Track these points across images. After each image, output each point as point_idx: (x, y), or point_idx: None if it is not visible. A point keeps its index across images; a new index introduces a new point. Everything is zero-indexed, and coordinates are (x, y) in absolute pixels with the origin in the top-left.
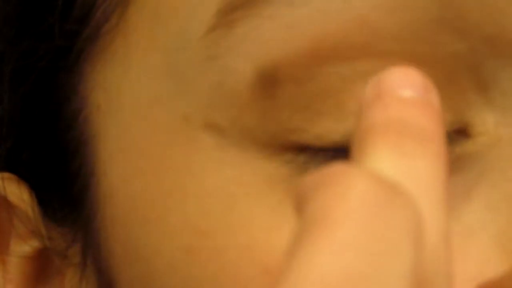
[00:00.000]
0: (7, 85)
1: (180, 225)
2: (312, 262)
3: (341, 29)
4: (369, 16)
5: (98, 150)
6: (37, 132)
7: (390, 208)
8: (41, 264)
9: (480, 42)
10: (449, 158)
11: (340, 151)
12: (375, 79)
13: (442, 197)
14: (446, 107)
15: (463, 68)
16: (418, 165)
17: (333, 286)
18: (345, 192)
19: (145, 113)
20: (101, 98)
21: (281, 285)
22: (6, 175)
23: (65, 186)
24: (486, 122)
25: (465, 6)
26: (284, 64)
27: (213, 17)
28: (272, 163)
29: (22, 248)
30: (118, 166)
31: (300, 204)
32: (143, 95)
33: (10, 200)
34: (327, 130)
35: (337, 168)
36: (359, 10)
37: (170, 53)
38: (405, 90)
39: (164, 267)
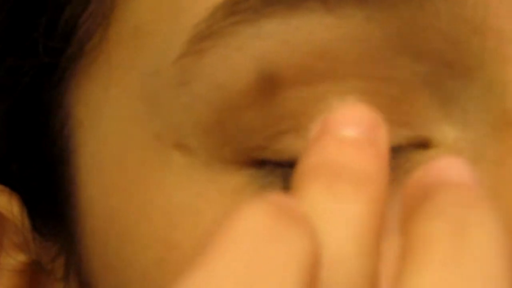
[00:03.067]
0: None
1: (150, 238)
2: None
3: (305, 59)
4: (332, 46)
5: (79, 164)
6: (24, 145)
7: (277, 241)
8: (32, 278)
9: (440, 66)
10: (406, 168)
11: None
12: (322, 117)
13: (366, 242)
14: (402, 123)
15: (422, 86)
16: (345, 209)
17: None
18: (236, 221)
19: (121, 131)
20: (83, 113)
21: None
22: None
23: (50, 199)
24: (446, 137)
25: (426, 35)
26: (247, 91)
27: (185, 44)
28: (235, 178)
29: (11, 261)
30: (96, 180)
31: None
32: (120, 113)
33: (0, 212)
34: (285, 146)
35: (252, 199)
36: (323, 41)
37: (145, 75)
38: (348, 129)
39: (138, 279)
